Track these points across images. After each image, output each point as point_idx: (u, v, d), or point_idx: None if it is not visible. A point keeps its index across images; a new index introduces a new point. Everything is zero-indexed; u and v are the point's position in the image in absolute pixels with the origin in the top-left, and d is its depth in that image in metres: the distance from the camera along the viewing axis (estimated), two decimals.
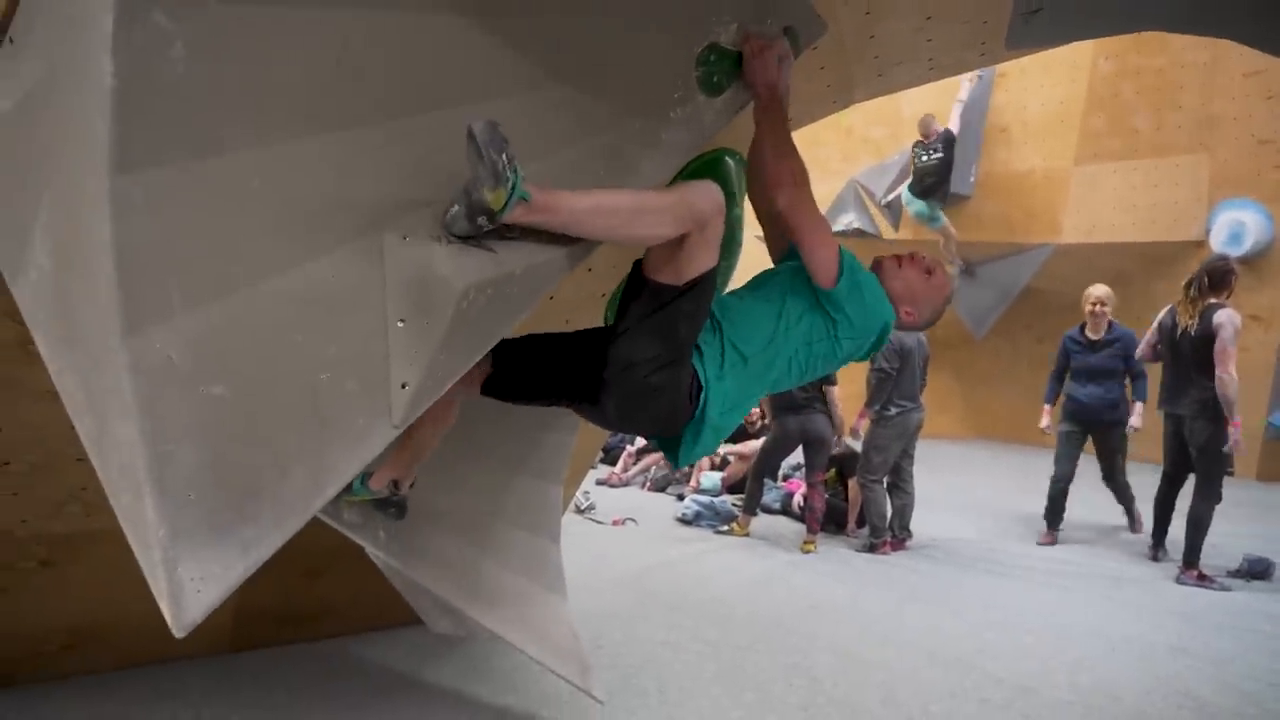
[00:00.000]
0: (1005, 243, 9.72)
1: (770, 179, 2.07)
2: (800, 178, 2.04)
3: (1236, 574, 5.41)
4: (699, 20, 1.92)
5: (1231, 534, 6.14)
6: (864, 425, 5.96)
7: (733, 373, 2.01)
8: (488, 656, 3.67)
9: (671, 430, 2.01)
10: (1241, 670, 3.82)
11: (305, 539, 1.51)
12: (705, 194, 1.73)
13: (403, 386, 1.39)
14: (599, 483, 8.02)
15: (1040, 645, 4.08)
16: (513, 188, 1.46)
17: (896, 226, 10.10)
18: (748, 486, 6.40)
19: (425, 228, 1.42)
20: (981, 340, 10.83)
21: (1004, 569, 5.55)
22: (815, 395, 5.93)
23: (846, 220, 9.96)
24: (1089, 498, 6.83)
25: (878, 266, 2.33)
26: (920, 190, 9.43)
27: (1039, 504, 6.48)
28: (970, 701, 3.41)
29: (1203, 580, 5.21)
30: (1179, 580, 5.27)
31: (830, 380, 5.82)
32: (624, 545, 5.90)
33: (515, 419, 3.11)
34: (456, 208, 1.47)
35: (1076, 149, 8.95)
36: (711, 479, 7.52)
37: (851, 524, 6.48)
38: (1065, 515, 6.35)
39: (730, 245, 2.66)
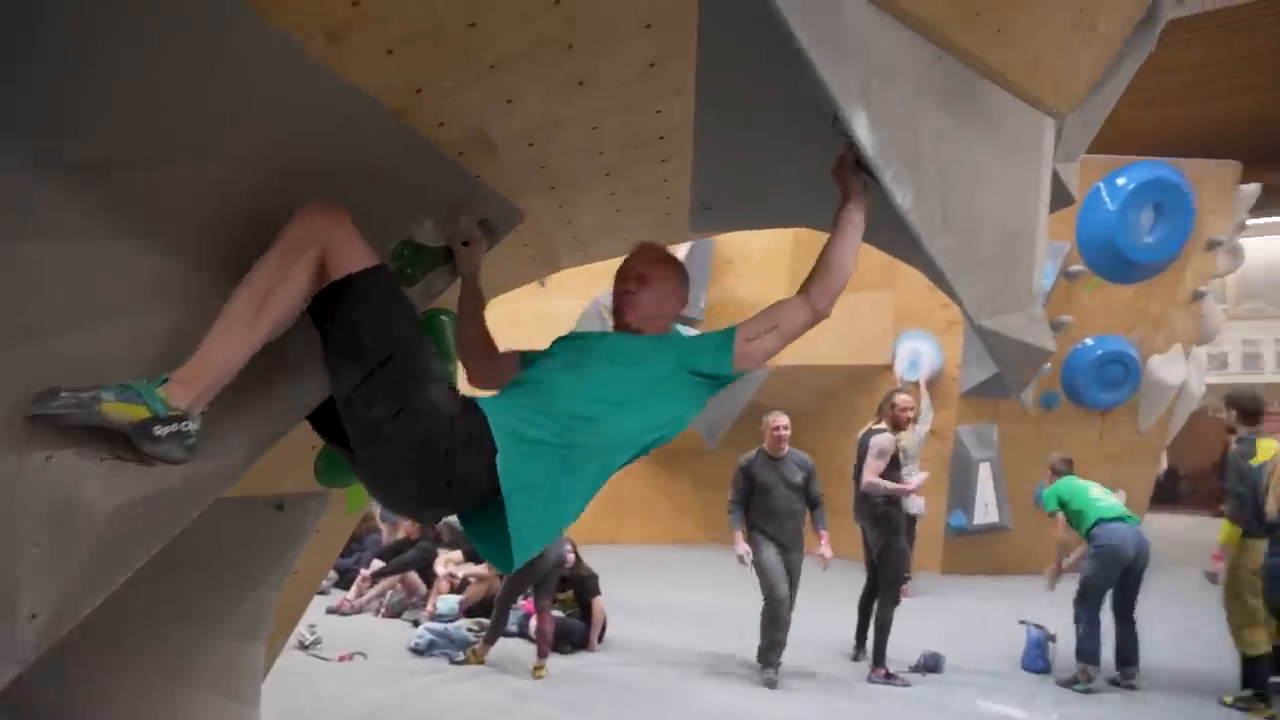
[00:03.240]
0: None
1: (481, 342, 2.34)
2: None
3: (915, 669, 6.11)
4: (394, 220, 2.06)
5: (919, 626, 6.94)
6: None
7: (547, 452, 1.79)
8: None
9: (437, 506, 1.85)
10: None
11: None
12: (293, 221, 1.62)
13: (32, 618, 1.31)
14: (329, 611, 7.58)
15: None
16: (137, 393, 1.43)
17: None
18: (493, 615, 6.31)
19: (82, 445, 1.38)
20: (713, 450, 11.60)
21: (720, 681, 5.88)
22: None
23: (585, 328, 10.48)
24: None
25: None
26: None
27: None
28: None
29: (889, 678, 5.84)
30: (869, 679, 5.87)
31: None
32: (351, 683, 5.60)
33: (217, 575, 2.97)
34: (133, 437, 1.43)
35: (789, 282, 10.10)
36: (449, 603, 7.35)
37: (593, 641, 6.60)
38: None
39: None
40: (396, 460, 1.69)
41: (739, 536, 5.85)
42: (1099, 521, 5.80)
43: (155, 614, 2.71)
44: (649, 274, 2.22)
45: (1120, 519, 5.78)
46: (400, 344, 1.69)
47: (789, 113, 2.23)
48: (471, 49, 1.64)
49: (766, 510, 5.85)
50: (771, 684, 5.71)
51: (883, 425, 6.25)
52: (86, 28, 1.23)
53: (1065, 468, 6.27)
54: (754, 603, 5.94)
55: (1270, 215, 14.67)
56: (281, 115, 1.57)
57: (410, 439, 1.66)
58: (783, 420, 6.00)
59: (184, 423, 1.47)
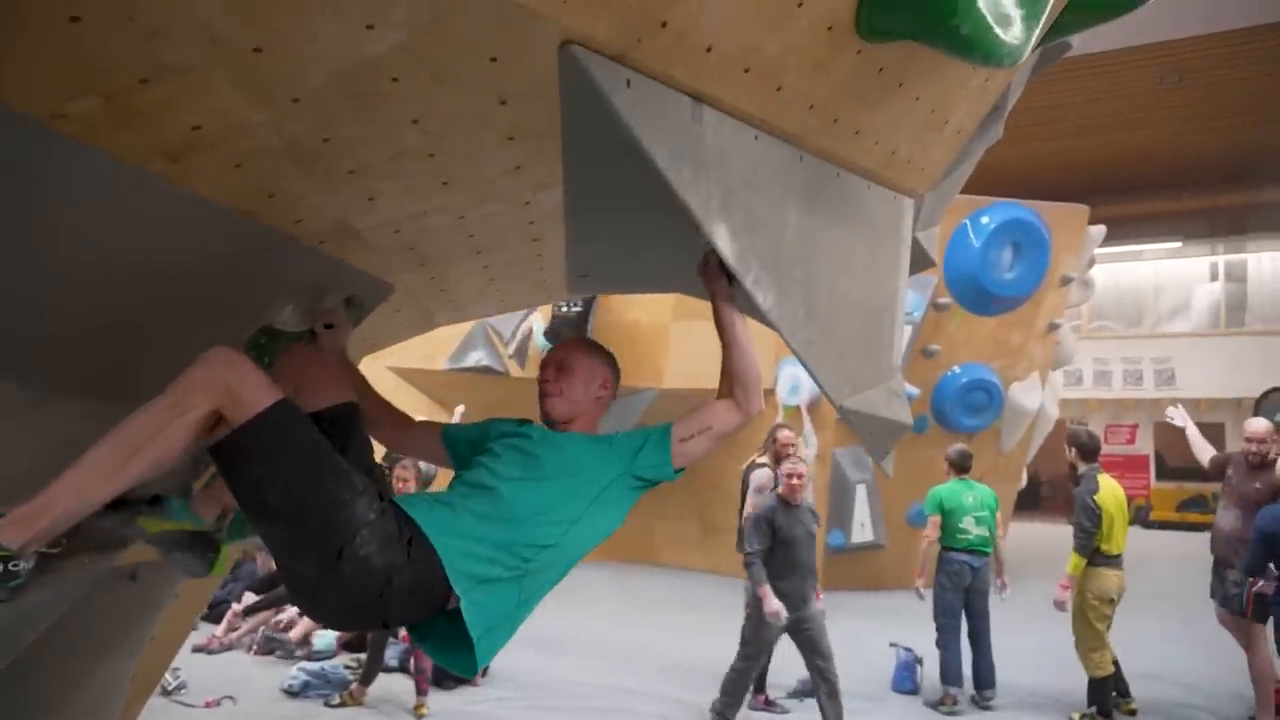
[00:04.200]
0: (622, 386, 10.73)
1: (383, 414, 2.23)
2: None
3: (793, 694, 6.30)
4: (253, 310, 1.99)
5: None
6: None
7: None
8: None
9: (370, 627, 1.78)
10: None
11: None
12: (196, 365, 1.53)
13: None
14: (196, 649, 7.18)
15: None
16: None
17: (523, 364, 10.66)
18: (369, 652, 6.14)
19: None
20: None
21: (604, 717, 5.90)
22: None
23: (475, 357, 10.32)
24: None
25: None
26: (555, 336, 10.17)
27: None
28: None
29: (768, 705, 6.01)
30: (750, 706, 6.01)
31: None
32: None
33: (63, 648, 2.78)
34: None
35: (674, 308, 10.23)
36: (326, 638, 7.11)
37: (477, 675, 6.50)
38: None
39: None
40: (333, 601, 1.63)
41: (767, 591, 5.11)
42: (949, 548, 6.18)
43: None
44: (568, 360, 2.14)
45: (969, 549, 6.13)
46: (308, 493, 1.56)
47: (659, 198, 2.28)
48: (327, 160, 1.60)
49: (790, 563, 5.25)
50: None
51: (764, 460, 6.40)
52: None
53: (961, 460, 6.42)
54: (637, 626, 5.95)
55: (1116, 245, 15.87)
56: (116, 229, 1.49)
57: (344, 589, 1.59)
58: (800, 468, 5.45)
59: (13, 563, 1.38)
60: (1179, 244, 20.01)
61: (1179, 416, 6.35)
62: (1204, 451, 6.09)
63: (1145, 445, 19.00)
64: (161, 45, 1.15)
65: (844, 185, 2.39)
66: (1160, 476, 18.64)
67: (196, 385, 1.52)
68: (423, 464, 7.33)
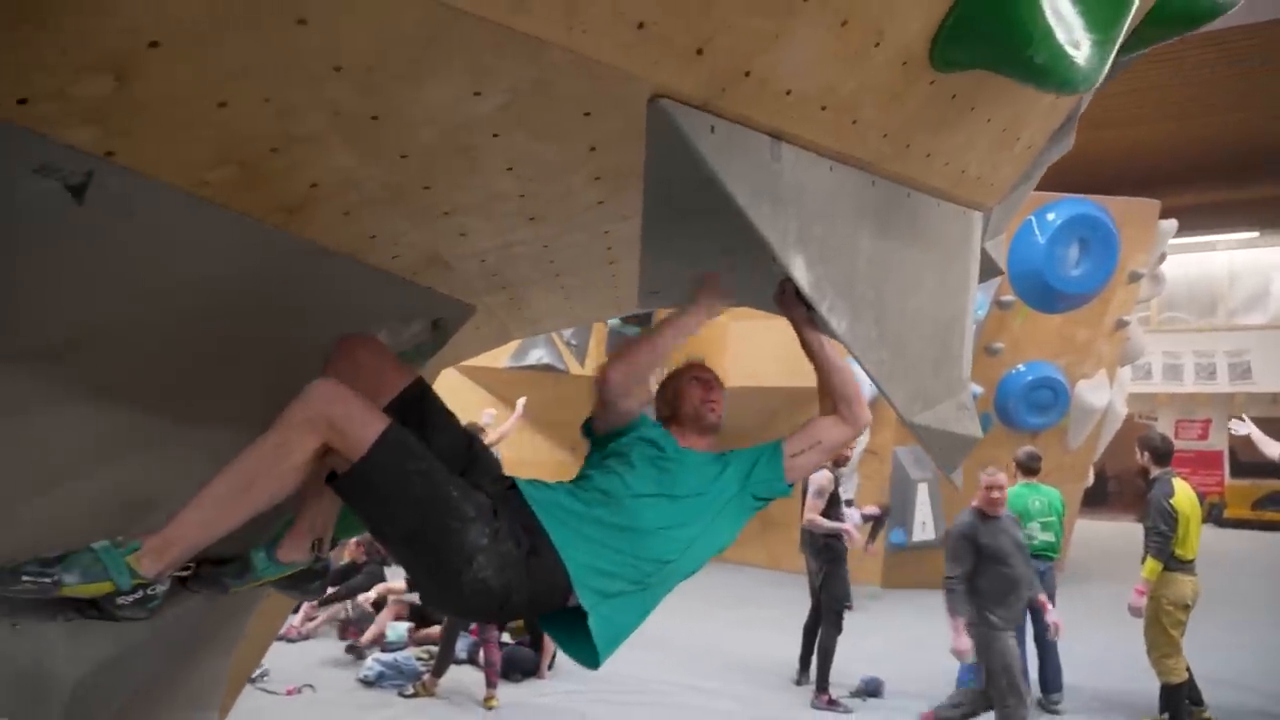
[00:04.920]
0: None
1: None
2: None
3: (856, 694, 6.32)
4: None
5: (860, 644, 7.16)
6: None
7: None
8: None
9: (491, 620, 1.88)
10: None
11: None
12: (298, 401, 1.60)
13: None
14: (277, 638, 7.48)
15: None
16: (104, 569, 1.44)
17: (583, 362, 10.80)
18: (440, 646, 6.35)
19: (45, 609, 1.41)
20: None
21: (669, 710, 6.00)
22: None
23: (536, 355, 10.50)
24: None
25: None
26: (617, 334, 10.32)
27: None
28: None
29: (831, 705, 6.03)
30: (813, 705, 6.05)
31: None
32: (300, 719, 5.60)
33: (166, 649, 2.96)
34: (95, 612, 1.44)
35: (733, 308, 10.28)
36: (398, 630, 7.35)
37: (544, 668, 6.67)
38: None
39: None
40: (454, 610, 1.77)
41: (960, 625, 4.59)
42: None
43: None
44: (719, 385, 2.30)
45: (1035, 554, 6.00)
46: (420, 526, 1.65)
47: (731, 225, 2.34)
48: (426, 205, 1.71)
49: (1006, 582, 4.68)
50: None
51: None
52: (53, 234, 1.27)
53: (1030, 463, 6.29)
54: (699, 622, 5.97)
55: (1189, 235, 15.37)
56: (226, 273, 1.60)
57: (465, 604, 1.74)
58: (1000, 478, 4.92)
59: (150, 588, 1.51)
60: (1256, 234, 19.27)
61: (1242, 428, 6.19)
62: (1271, 445, 5.92)
63: (1219, 441, 18.39)
64: (291, 121, 1.25)
65: (914, 205, 2.42)
66: (1235, 474, 18.04)
67: (301, 424, 1.58)
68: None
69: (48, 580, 1.38)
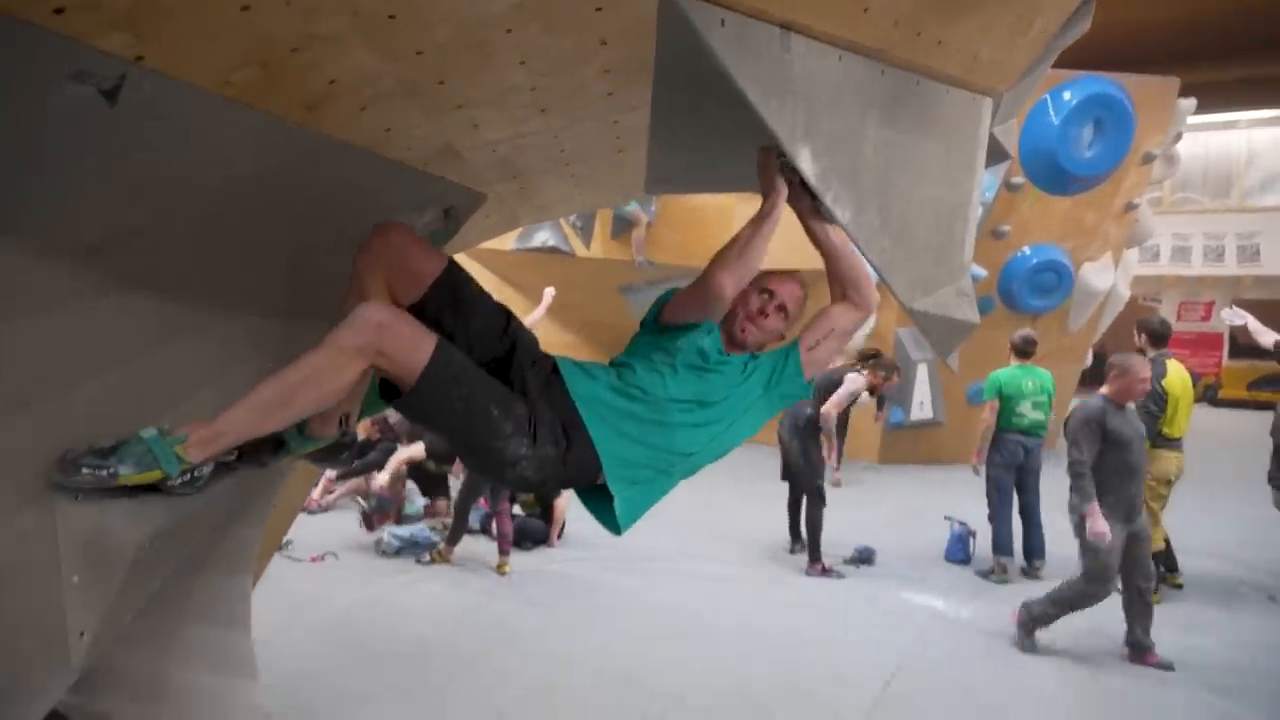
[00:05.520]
0: (683, 266, 10.81)
1: None
2: None
3: (849, 561, 6.66)
4: (363, 229, 2.17)
5: (857, 516, 7.52)
6: None
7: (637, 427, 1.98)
8: None
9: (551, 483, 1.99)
10: (848, 657, 4.83)
11: None
12: (348, 328, 1.69)
13: (81, 635, 1.52)
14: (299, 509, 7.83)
15: (692, 653, 4.83)
16: (155, 458, 1.56)
17: (588, 244, 10.79)
18: (454, 517, 6.66)
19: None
20: None
21: (670, 577, 6.36)
22: None
23: (542, 238, 10.48)
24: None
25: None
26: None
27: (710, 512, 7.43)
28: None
29: (824, 572, 6.37)
30: (807, 573, 6.39)
31: None
32: (324, 585, 5.95)
33: (210, 513, 3.16)
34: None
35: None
36: (414, 505, 7.67)
37: (554, 538, 7.01)
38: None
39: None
40: (500, 486, 1.98)
41: (1095, 510, 4.56)
42: (1004, 430, 6.37)
43: None
44: (791, 308, 2.28)
45: (1024, 431, 6.33)
46: (467, 439, 1.83)
47: (738, 115, 2.35)
48: (440, 99, 1.74)
49: (1126, 470, 4.65)
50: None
51: (863, 374, 6.63)
52: (89, 136, 1.32)
53: (1024, 346, 6.56)
54: (686, 495, 6.17)
55: (1206, 113, 14.94)
56: (250, 169, 1.66)
57: (510, 486, 2.03)
58: (1147, 372, 4.81)
59: (196, 470, 1.65)
60: (1276, 112, 18.72)
61: (1236, 316, 6.25)
62: (1266, 334, 6.02)
63: (1220, 323, 18.49)
64: (313, 20, 1.28)
65: (923, 93, 2.42)
66: (1233, 355, 18.22)
67: (353, 351, 1.68)
68: None
69: (104, 472, 1.51)
